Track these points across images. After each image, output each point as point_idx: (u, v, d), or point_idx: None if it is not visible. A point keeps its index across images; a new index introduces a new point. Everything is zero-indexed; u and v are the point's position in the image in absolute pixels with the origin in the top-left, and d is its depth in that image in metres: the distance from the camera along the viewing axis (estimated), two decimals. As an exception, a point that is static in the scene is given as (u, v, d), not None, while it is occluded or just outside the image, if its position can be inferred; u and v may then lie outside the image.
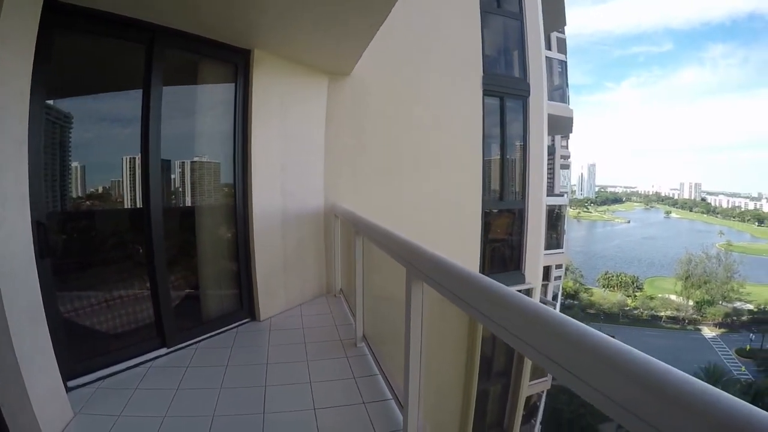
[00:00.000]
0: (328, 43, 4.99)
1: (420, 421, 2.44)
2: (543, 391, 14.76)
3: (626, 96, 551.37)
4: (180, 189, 4.72)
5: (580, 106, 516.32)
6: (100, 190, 4.08)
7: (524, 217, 9.47)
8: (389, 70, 7.16)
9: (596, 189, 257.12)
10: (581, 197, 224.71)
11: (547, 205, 12.24)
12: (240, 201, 4.96)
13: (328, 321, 5.16)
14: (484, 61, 8.56)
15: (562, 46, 21.26)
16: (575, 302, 69.89)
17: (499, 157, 9.26)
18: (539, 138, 9.50)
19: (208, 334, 4.54)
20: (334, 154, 6.38)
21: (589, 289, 78.28)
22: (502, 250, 9.63)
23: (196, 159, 4.85)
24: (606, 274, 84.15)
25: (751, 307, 72.03)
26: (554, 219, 14.47)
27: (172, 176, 4.56)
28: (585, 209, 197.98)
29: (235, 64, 4.84)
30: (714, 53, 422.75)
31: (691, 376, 0.81)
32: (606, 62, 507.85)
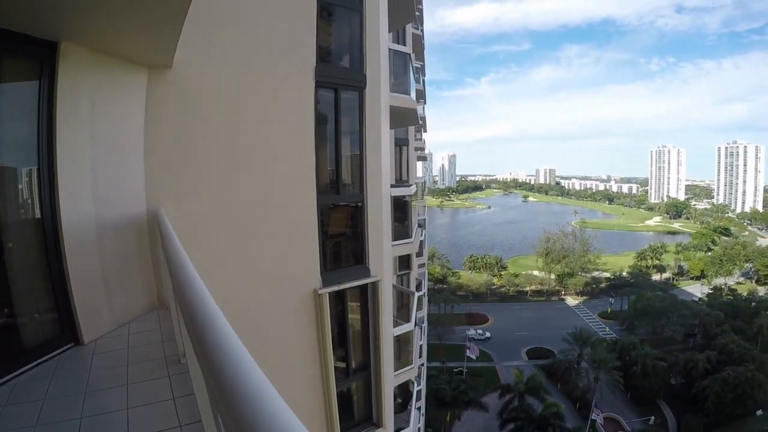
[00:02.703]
0: (138, 32, 4.91)
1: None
2: (414, 378, 15.80)
3: (485, 90, 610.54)
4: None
5: (442, 100, 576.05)
6: None
7: (364, 209, 9.81)
8: (216, 62, 7.14)
9: (457, 178, 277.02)
10: (443, 187, 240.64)
11: (393, 196, 12.97)
12: (47, 213, 4.74)
13: (156, 337, 5.14)
14: (318, 51, 8.74)
15: (417, 42, 22.55)
16: (444, 286, 75.90)
17: (334, 150, 9.49)
18: (376, 129, 9.91)
19: (27, 366, 4.34)
20: (155, 154, 6.27)
21: (456, 272, 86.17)
22: (344, 245, 10.04)
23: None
24: (471, 257, 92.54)
25: (607, 275, 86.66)
26: (402, 209, 15.26)
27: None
28: (447, 198, 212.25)
29: (40, 59, 4.62)
30: (569, 53, 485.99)
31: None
32: (467, 60, 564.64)
